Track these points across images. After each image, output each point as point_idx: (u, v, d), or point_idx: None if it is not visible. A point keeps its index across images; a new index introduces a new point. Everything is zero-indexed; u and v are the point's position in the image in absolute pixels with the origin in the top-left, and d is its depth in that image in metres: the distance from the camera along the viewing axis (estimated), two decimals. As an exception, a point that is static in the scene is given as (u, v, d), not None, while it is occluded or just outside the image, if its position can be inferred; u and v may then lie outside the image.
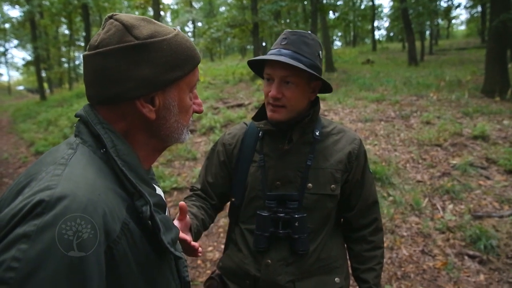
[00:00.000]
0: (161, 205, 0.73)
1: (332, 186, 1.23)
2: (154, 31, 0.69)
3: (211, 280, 1.35)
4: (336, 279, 1.27)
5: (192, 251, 0.98)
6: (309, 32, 1.19)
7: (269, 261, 1.22)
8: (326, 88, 1.24)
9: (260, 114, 1.29)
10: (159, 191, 0.83)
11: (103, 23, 0.71)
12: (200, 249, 0.97)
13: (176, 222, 0.99)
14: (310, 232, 1.22)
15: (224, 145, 1.35)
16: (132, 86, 0.67)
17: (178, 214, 0.99)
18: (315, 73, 1.13)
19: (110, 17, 0.70)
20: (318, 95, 1.27)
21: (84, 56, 0.70)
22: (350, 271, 1.41)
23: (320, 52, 1.20)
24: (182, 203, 0.96)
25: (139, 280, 0.66)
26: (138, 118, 0.71)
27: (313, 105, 1.26)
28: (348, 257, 1.38)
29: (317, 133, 1.25)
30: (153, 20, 0.72)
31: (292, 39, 1.15)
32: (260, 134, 1.30)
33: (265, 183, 1.24)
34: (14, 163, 7.70)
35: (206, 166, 1.39)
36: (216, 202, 1.37)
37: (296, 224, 1.18)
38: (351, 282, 1.46)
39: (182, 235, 0.94)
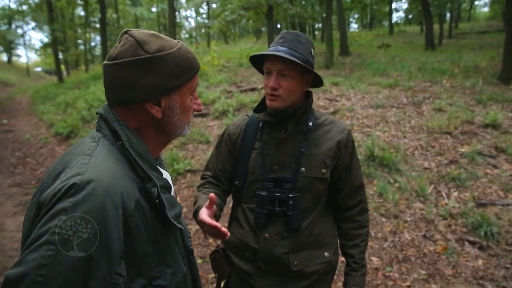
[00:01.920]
0: (166, 187, 0.90)
1: (323, 170, 1.38)
2: (161, 46, 0.84)
3: (215, 253, 1.53)
4: (325, 253, 1.44)
5: (222, 235, 1.10)
6: (302, 33, 1.36)
7: (267, 235, 1.39)
8: (319, 82, 1.40)
9: (260, 107, 1.45)
10: (165, 175, 0.99)
11: (119, 37, 0.87)
12: (228, 233, 1.10)
13: (204, 210, 1.14)
14: (302, 211, 1.38)
15: (229, 135, 1.51)
16: (143, 92, 0.83)
17: (207, 203, 1.14)
18: (308, 67, 1.30)
19: (126, 32, 0.86)
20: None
21: (103, 65, 0.86)
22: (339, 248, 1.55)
23: (312, 50, 1.36)
24: (212, 195, 1.11)
25: (148, 247, 0.82)
26: (148, 117, 0.87)
27: (307, 98, 1.41)
28: (337, 235, 1.54)
29: (310, 124, 1.41)
30: (161, 35, 0.88)
31: (288, 38, 1.31)
32: (260, 125, 1.45)
33: (264, 167, 1.40)
34: (35, 143, 8.04)
35: (215, 154, 1.56)
36: (226, 186, 1.54)
37: (291, 202, 1.36)
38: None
39: (212, 222, 1.08)
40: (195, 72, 0.90)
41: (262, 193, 1.38)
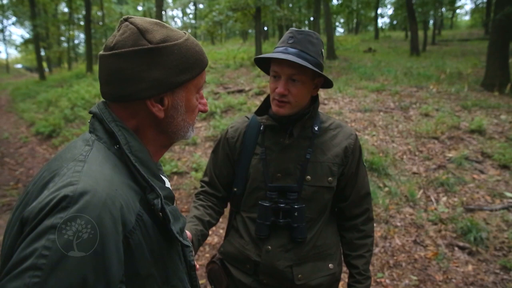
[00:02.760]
0: (170, 197, 0.79)
1: (329, 178, 1.30)
2: (166, 36, 0.74)
3: (212, 264, 1.44)
4: (330, 265, 1.36)
5: None
6: (314, 31, 1.24)
7: (269, 247, 1.30)
8: (327, 83, 1.30)
9: (262, 109, 1.35)
10: (167, 183, 0.89)
11: (118, 25, 0.76)
12: (197, 266, 1.05)
13: None
14: (307, 221, 1.30)
15: (227, 139, 1.41)
16: (144, 87, 0.72)
17: None
18: (320, 72, 1.19)
19: (126, 20, 0.75)
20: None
21: (100, 56, 0.74)
22: (343, 258, 1.49)
23: (323, 50, 1.25)
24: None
25: (151, 265, 0.72)
26: (148, 116, 0.76)
27: (313, 101, 1.32)
28: (340, 245, 1.46)
29: (316, 128, 1.31)
30: (166, 24, 0.77)
31: (298, 38, 1.20)
32: (261, 128, 1.35)
33: (266, 175, 1.31)
34: (14, 142, 7.74)
35: (212, 159, 1.46)
36: (223, 194, 1.44)
37: (296, 214, 1.27)
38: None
39: None
40: (203, 67, 0.80)
41: (265, 204, 1.28)
